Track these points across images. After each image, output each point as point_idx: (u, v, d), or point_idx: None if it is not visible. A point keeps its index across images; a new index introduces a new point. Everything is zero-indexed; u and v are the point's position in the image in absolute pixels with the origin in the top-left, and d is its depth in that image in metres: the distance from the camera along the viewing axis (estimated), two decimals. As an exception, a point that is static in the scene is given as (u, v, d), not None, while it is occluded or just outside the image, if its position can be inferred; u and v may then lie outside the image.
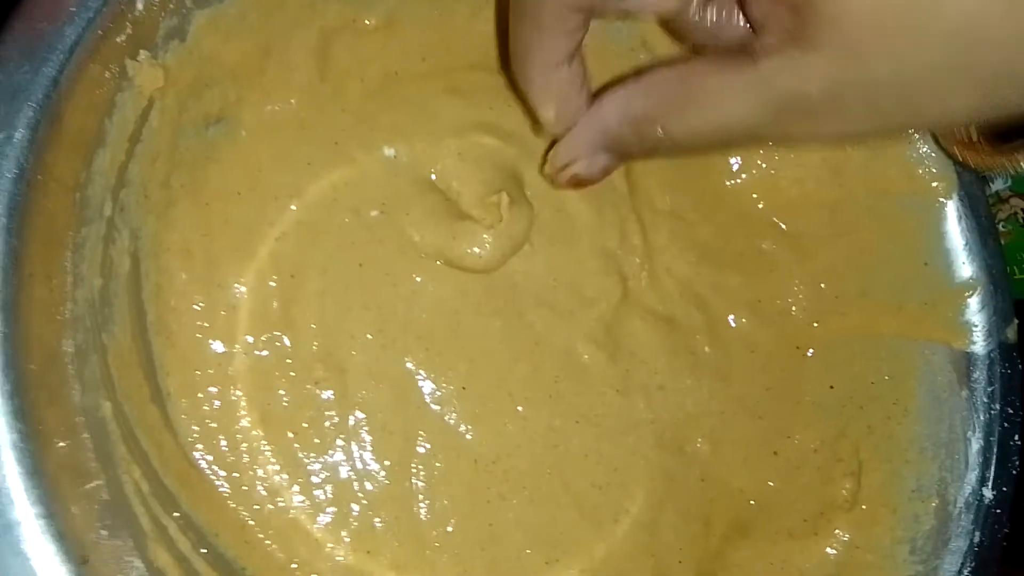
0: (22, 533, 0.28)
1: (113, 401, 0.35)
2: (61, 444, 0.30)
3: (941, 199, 0.45)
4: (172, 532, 0.36)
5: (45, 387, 0.30)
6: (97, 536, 0.31)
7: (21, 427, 0.28)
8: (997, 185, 0.63)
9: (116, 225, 0.36)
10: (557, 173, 0.40)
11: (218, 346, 0.41)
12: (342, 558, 0.41)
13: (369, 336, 0.43)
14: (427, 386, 0.43)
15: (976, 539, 0.41)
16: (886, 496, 0.44)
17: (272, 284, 0.42)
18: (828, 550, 0.44)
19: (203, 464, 0.39)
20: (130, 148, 0.36)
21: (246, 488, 0.40)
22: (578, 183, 0.40)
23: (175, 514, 0.37)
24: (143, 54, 0.35)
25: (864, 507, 0.44)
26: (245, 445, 0.40)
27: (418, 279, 0.44)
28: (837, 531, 0.44)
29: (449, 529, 0.42)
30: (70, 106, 0.31)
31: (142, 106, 0.36)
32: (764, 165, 0.50)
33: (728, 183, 0.50)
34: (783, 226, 0.50)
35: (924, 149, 0.44)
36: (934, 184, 0.45)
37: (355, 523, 0.41)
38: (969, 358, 0.43)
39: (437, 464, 0.42)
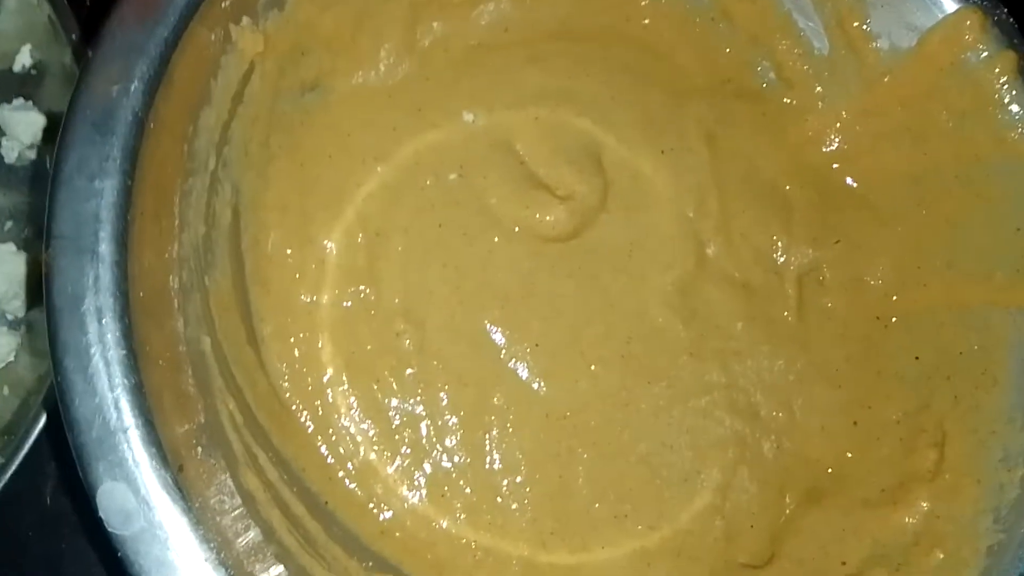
0: (124, 440, 0.31)
1: (213, 338, 0.39)
2: (164, 365, 0.33)
3: (1035, 162, 0.43)
4: (262, 461, 0.39)
5: (152, 314, 0.34)
6: (193, 452, 0.34)
7: (129, 345, 0.32)
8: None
9: (219, 178, 0.40)
10: None
11: (308, 297, 0.44)
12: (416, 500, 0.43)
13: (447, 292, 0.45)
14: (502, 341, 0.45)
15: (1062, 508, 0.39)
16: (971, 466, 0.42)
17: (359, 241, 0.44)
18: (906, 519, 0.43)
19: (292, 404, 0.42)
20: (233, 108, 0.39)
21: (330, 429, 0.43)
22: None
23: (265, 446, 0.40)
24: (245, 20, 0.38)
25: (947, 477, 0.43)
26: (330, 390, 0.43)
27: (495, 240, 0.45)
28: (917, 501, 0.43)
29: (519, 479, 0.43)
30: (180, 63, 0.35)
31: (244, 69, 0.39)
32: (845, 135, 0.49)
33: (810, 152, 0.49)
34: (864, 196, 0.49)
35: (1015, 109, 0.43)
36: (1027, 147, 0.43)
37: (429, 468, 0.43)
38: (1062, 325, 0.42)
39: (510, 416, 0.44)
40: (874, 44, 0.46)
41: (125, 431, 0.31)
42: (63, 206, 0.32)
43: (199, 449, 0.34)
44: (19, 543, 0.44)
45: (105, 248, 0.32)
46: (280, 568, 0.34)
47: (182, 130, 0.36)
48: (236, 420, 0.38)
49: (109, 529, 0.30)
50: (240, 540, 0.34)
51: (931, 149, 0.47)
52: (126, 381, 0.31)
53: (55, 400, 0.41)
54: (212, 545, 0.31)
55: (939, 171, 0.47)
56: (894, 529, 0.43)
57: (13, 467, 0.41)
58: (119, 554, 0.30)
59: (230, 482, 0.35)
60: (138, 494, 0.30)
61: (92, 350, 0.31)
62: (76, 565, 0.45)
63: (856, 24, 0.46)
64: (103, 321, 0.31)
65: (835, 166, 0.49)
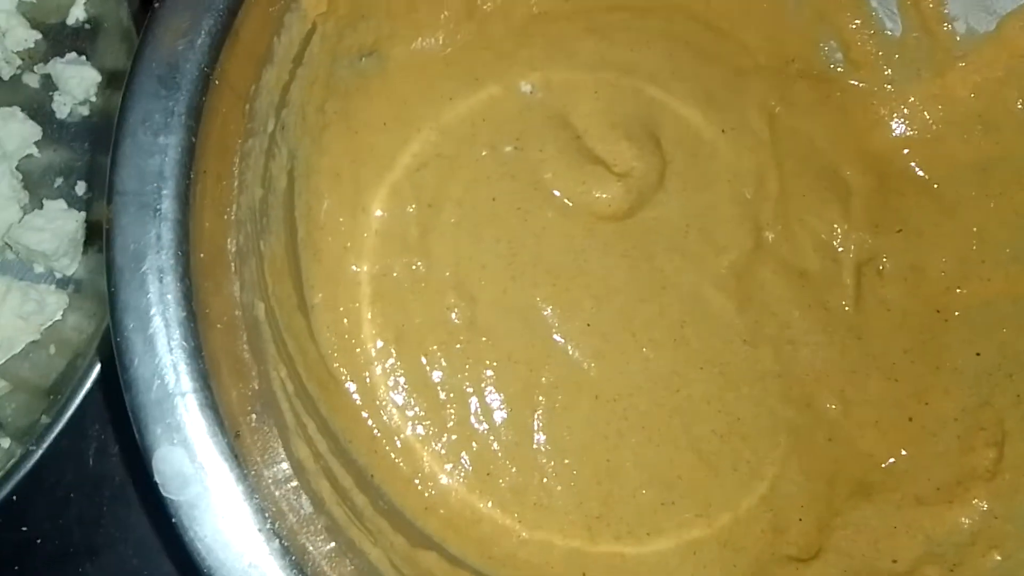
0: (182, 404, 0.30)
1: (266, 304, 0.38)
2: (221, 329, 0.33)
3: (1114, 155, 0.42)
4: (311, 431, 0.38)
5: (211, 277, 0.33)
6: (248, 419, 0.33)
7: (189, 307, 0.31)
8: None
9: (277, 142, 0.39)
10: None
11: (359, 267, 0.43)
12: (461, 477, 0.42)
13: (500, 267, 0.44)
14: (553, 319, 0.44)
15: None
16: (1032, 467, 0.41)
17: (411, 211, 0.43)
18: (963, 519, 0.41)
19: (340, 375, 0.42)
20: (293, 69, 0.39)
21: (378, 402, 0.42)
22: None
23: (314, 416, 0.39)
24: (311, -23, 0.37)
25: (1006, 477, 0.41)
26: (378, 362, 0.42)
27: (548, 215, 0.44)
28: (975, 500, 0.42)
29: (566, 461, 0.43)
30: (246, 20, 0.34)
31: (306, 30, 0.39)
32: (913, 121, 0.48)
33: (874, 136, 0.48)
34: (929, 184, 0.48)
35: (1098, 100, 0.41)
36: (1107, 139, 0.42)
37: (475, 445, 0.42)
38: None
39: (559, 396, 0.43)
40: (950, 27, 0.45)
41: (183, 395, 0.30)
42: (126, 161, 0.31)
43: (253, 416, 0.33)
44: (60, 502, 0.44)
45: (168, 206, 0.31)
46: (331, 542, 0.34)
47: (245, 88, 0.35)
48: (287, 388, 0.37)
49: (164, 494, 0.29)
50: (292, 511, 0.33)
51: (1002, 138, 0.45)
52: (186, 344, 0.30)
53: (104, 361, 0.40)
54: (267, 515, 0.30)
55: (1009, 161, 0.45)
56: (949, 528, 0.42)
57: (58, 428, 0.40)
58: (173, 519, 0.30)
59: (282, 451, 0.35)
60: (195, 460, 0.30)
61: (152, 311, 0.30)
62: (114, 527, 0.45)
63: (932, 5, 0.44)
64: (164, 281, 0.30)
65: (904, 152, 0.47)
